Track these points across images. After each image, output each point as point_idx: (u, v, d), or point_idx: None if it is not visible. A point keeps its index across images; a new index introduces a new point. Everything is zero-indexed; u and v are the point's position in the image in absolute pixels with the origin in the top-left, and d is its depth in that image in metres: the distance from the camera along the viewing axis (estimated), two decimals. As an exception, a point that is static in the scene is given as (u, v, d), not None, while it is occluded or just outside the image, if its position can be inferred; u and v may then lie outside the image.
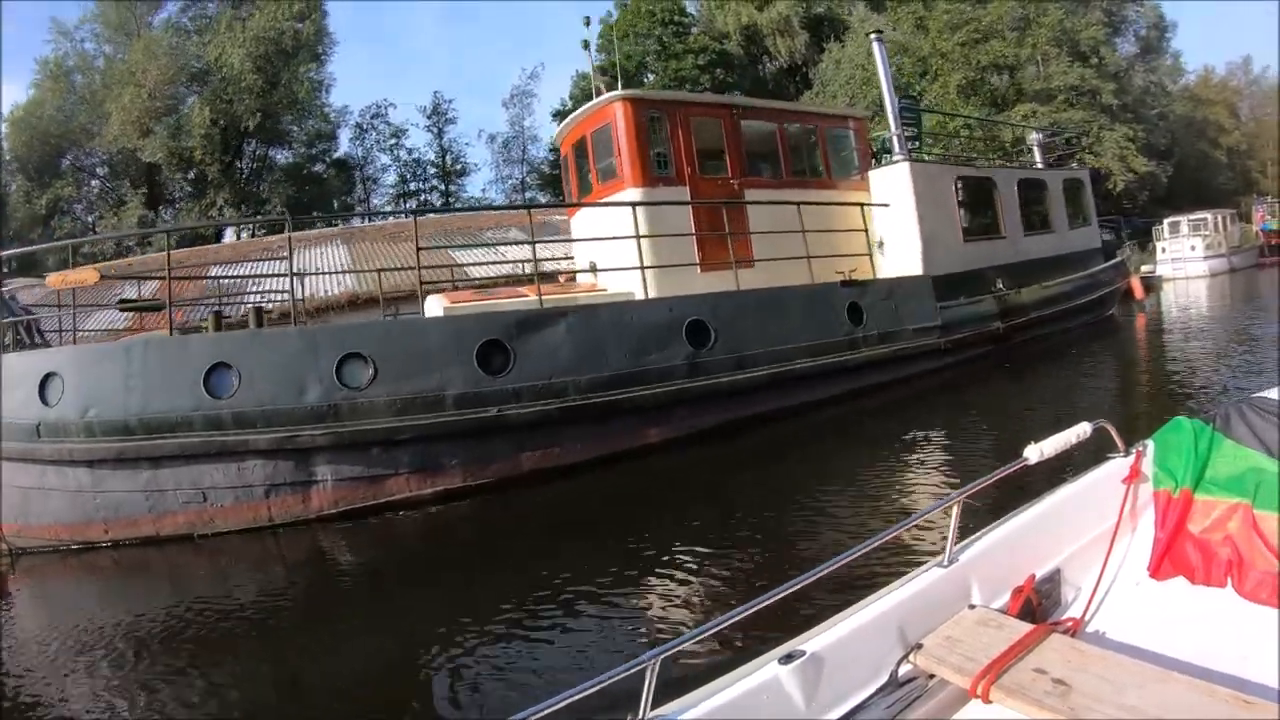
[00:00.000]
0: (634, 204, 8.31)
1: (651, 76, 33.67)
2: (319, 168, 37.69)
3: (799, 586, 1.98)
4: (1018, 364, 10.88)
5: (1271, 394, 2.91)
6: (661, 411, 7.38)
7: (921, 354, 9.63)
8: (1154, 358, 12.57)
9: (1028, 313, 11.73)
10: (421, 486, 6.38)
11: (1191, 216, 28.15)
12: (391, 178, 37.50)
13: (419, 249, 7.95)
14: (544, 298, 7.87)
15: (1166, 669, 2.00)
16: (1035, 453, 2.60)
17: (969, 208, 11.82)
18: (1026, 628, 2.20)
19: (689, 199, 9.20)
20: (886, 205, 10.31)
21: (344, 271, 18.63)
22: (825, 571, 2.05)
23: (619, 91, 9.39)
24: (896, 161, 10.49)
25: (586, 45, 10.12)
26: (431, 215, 26.14)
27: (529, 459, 6.76)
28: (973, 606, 2.36)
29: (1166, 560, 2.75)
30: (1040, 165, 15.12)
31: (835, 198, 10.23)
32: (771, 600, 1.91)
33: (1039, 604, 2.48)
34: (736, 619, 1.86)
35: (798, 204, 9.15)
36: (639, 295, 8.08)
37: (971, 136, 20.48)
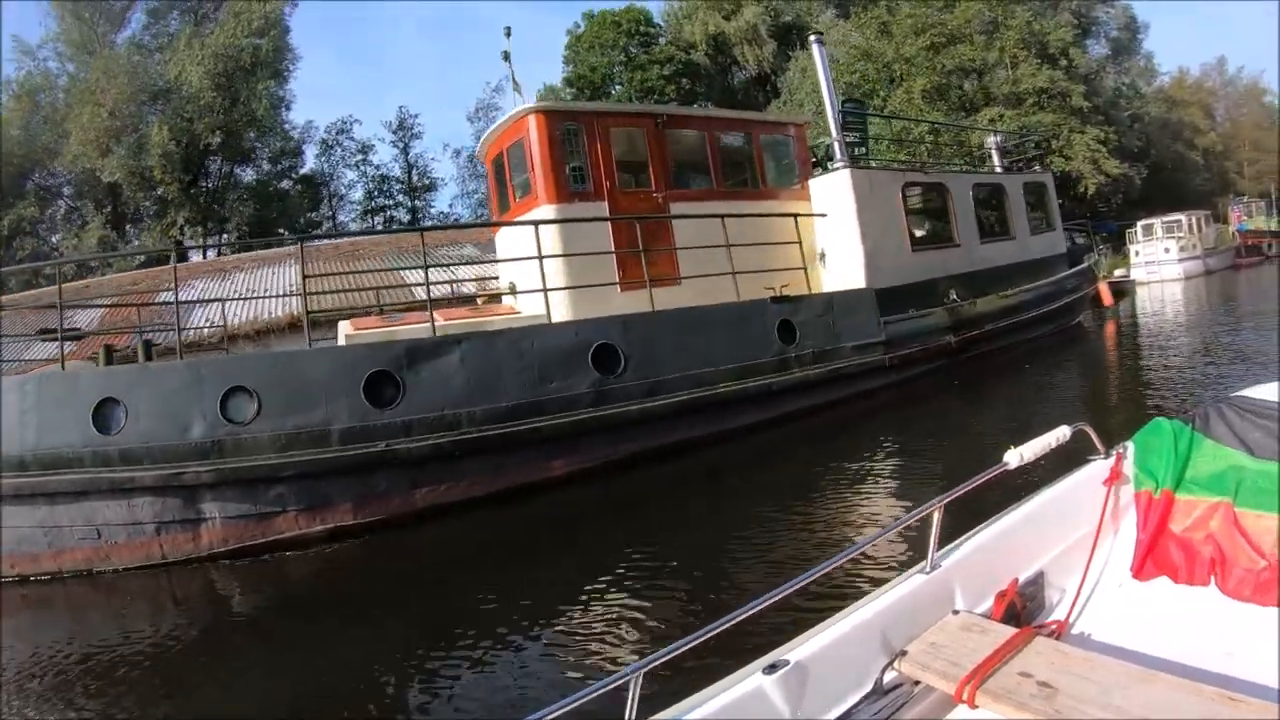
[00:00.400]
0: (535, 223, 7.77)
1: (619, 87, 33.26)
2: (286, 184, 37.12)
3: (781, 596, 1.94)
4: (971, 379, 10.32)
5: (1250, 393, 2.91)
6: (567, 443, 6.93)
7: (864, 372, 9.03)
8: (1121, 367, 12.09)
9: (984, 324, 11.17)
10: (311, 524, 6.15)
11: (1165, 218, 27.78)
12: (358, 194, 36.86)
13: (305, 276, 7.70)
14: (446, 324, 7.50)
15: (1152, 669, 1.99)
16: (1015, 457, 2.59)
17: (919, 215, 11.30)
18: (1010, 632, 2.19)
19: (608, 214, 8.71)
20: (823, 215, 9.74)
21: (241, 299, 18.00)
22: (807, 580, 2.02)
23: (531, 104, 8.93)
24: (837, 168, 9.92)
25: (507, 56, 9.55)
26: (320, 242, 25.56)
27: (423, 495, 6.43)
28: (956, 612, 2.35)
29: (1149, 560, 2.75)
30: (999, 169, 14.61)
31: (772, 208, 9.65)
32: (755, 610, 1.88)
33: (1023, 608, 2.48)
34: (721, 629, 1.82)
35: (721, 217, 8.54)
36: (556, 317, 7.70)
37: (937, 142, 20.06)
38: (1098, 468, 2.94)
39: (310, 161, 37.16)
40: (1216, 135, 49.62)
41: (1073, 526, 2.82)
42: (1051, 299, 13.65)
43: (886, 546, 3.60)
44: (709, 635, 1.80)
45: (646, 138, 9.26)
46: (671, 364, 7.58)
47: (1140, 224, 27.80)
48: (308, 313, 7.44)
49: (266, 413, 6.08)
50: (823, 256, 10.08)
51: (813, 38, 10.79)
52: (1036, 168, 16.31)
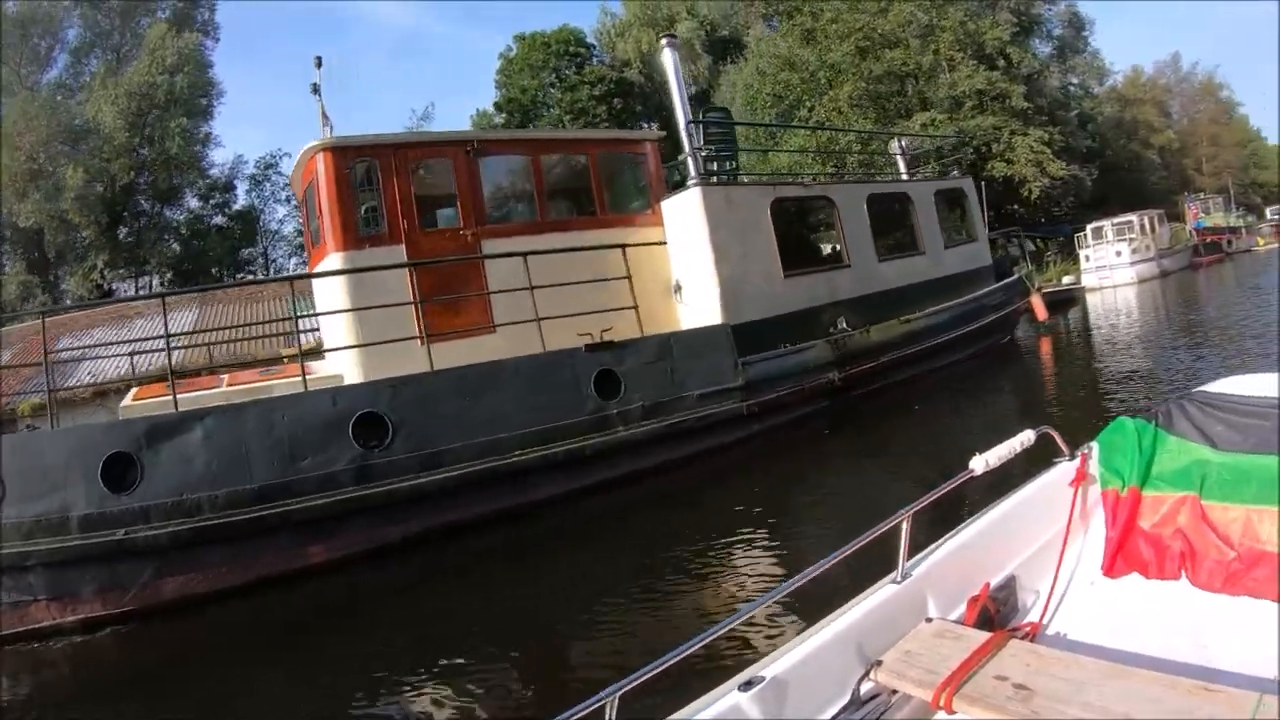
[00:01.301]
0: (292, 278, 6.70)
1: (554, 110, 32.25)
2: (221, 220, 35.75)
3: (753, 613, 2.01)
4: (859, 420, 9.05)
5: (1211, 387, 2.98)
6: (326, 526, 6.09)
7: (714, 425, 7.72)
8: (1043, 393, 10.88)
9: (880, 354, 9.94)
10: (63, 614, 5.77)
11: (1115, 220, 26.79)
12: (290, 228, 35.51)
13: (47, 352, 6.88)
14: (200, 395, 7.02)
15: (1127, 665, 2.02)
16: (980, 463, 2.65)
17: (795, 235, 10.03)
18: (984, 636, 2.20)
19: (404, 259, 7.56)
20: (661, 243, 8.48)
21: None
22: (779, 596, 2.08)
23: (321, 140, 7.83)
24: (687, 187, 8.67)
25: (316, 89, 8.36)
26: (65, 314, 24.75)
27: (171, 585, 5.87)
28: (929, 619, 2.37)
29: (1119, 558, 2.81)
30: (905, 176, 13.46)
31: (612, 238, 8.37)
32: (729, 628, 1.90)
33: (996, 612, 2.50)
34: (695, 648, 1.83)
35: (523, 255, 7.29)
36: (351, 379, 7.04)
37: (868, 151, 19.00)
38: (1063, 469, 2.98)
39: (242, 197, 35.81)
40: (1173, 133, 49.14)
41: (1042, 529, 2.85)
42: (971, 318, 12.44)
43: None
44: (684, 655, 1.78)
45: (455, 168, 8.10)
46: (453, 431, 6.46)
47: (1090, 226, 26.77)
48: (51, 391, 6.70)
49: (10, 498, 5.63)
50: (679, 289, 8.82)
51: (664, 40, 9.55)
52: (955, 173, 15.13)
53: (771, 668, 1.96)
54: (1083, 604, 2.70)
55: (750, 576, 4.99)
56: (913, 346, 10.63)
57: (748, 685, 1.88)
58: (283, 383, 7.43)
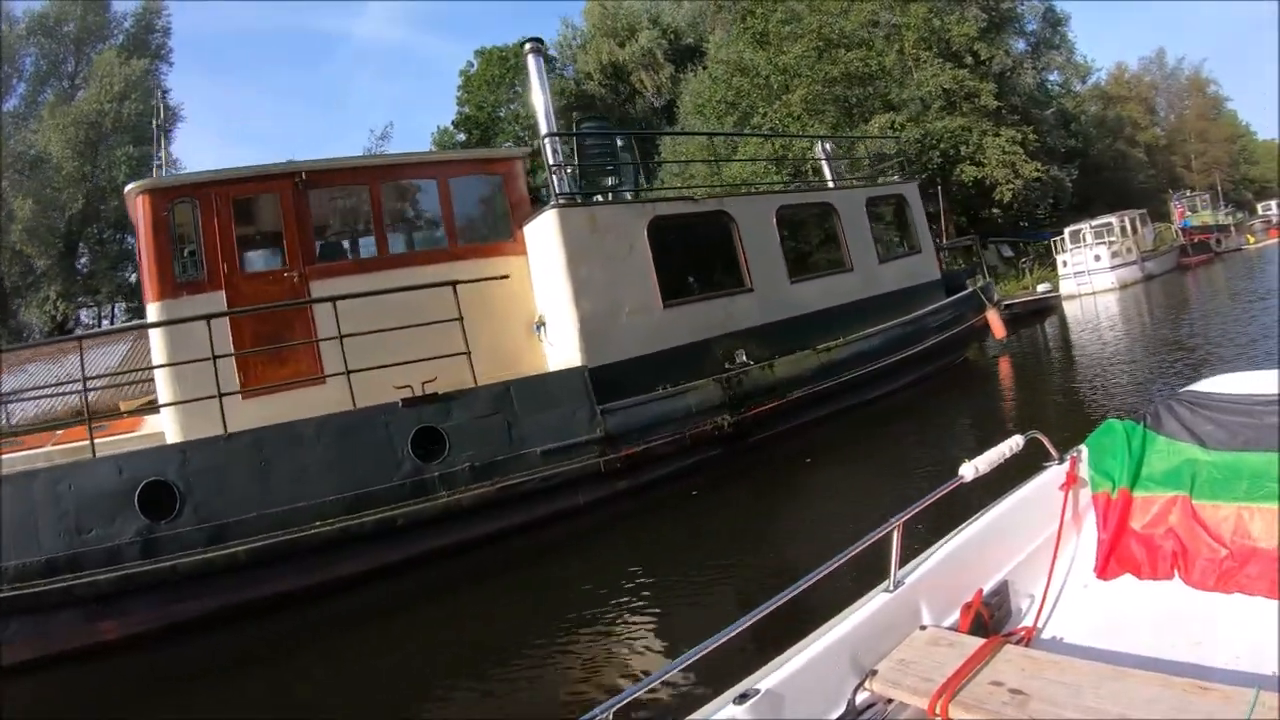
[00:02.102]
0: (79, 337, 5.90)
1: (512, 126, 31.43)
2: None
3: (745, 626, 1.94)
4: (753, 472, 7.96)
5: (1199, 387, 2.99)
6: (116, 602, 5.59)
7: (564, 484, 6.69)
8: (996, 421, 9.76)
9: (790, 390, 8.86)
10: None
11: (1094, 222, 25.65)
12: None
13: None
14: (42, 451, 6.80)
15: (1122, 666, 2.01)
16: (970, 469, 2.63)
17: (681, 258, 8.97)
18: (979, 642, 2.19)
19: (223, 307, 6.85)
20: (504, 276, 7.48)
21: None
22: (770, 609, 2.01)
23: (138, 182, 7.24)
24: (545, 209, 7.68)
25: (160, 129, 7.49)
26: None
27: None
28: (924, 627, 2.36)
29: (1112, 560, 2.80)
30: (832, 184, 12.50)
31: (467, 271, 7.39)
32: (721, 642, 1.88)
33: (990, 617, 2.47)
34: (688, 663, 1.82)
35: (332, 300, 6.42)
36: (171, 438, 6.52)
37: (815, 158, 17.99)
38: (1054, 473, 2.97)
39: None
40: (1160, 130, 48.07)
41: (1033, 533, 2.83)
42: (912, 341, 11.40)
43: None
44: (677, 669, 1.80)
45: (282, 204, 7.28)
46: (246, 501, 5.73)
47: (1068, 230, 25.61)
48: None
49: None
50: (541, 326, 7.80)
51: (527, 46, 8.61)
52: (896, 177, 14.09)
53: (766, 680, 1.95)
54: (1076, 607, 2.70)
55: (563, 682, 4.08)
56: (834, 378, 9.57)
57: (743, 698, 1.87)
58: (104, 442, 6.72)
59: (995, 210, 29.80)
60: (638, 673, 3.88)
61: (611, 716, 1.60)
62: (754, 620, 1.94)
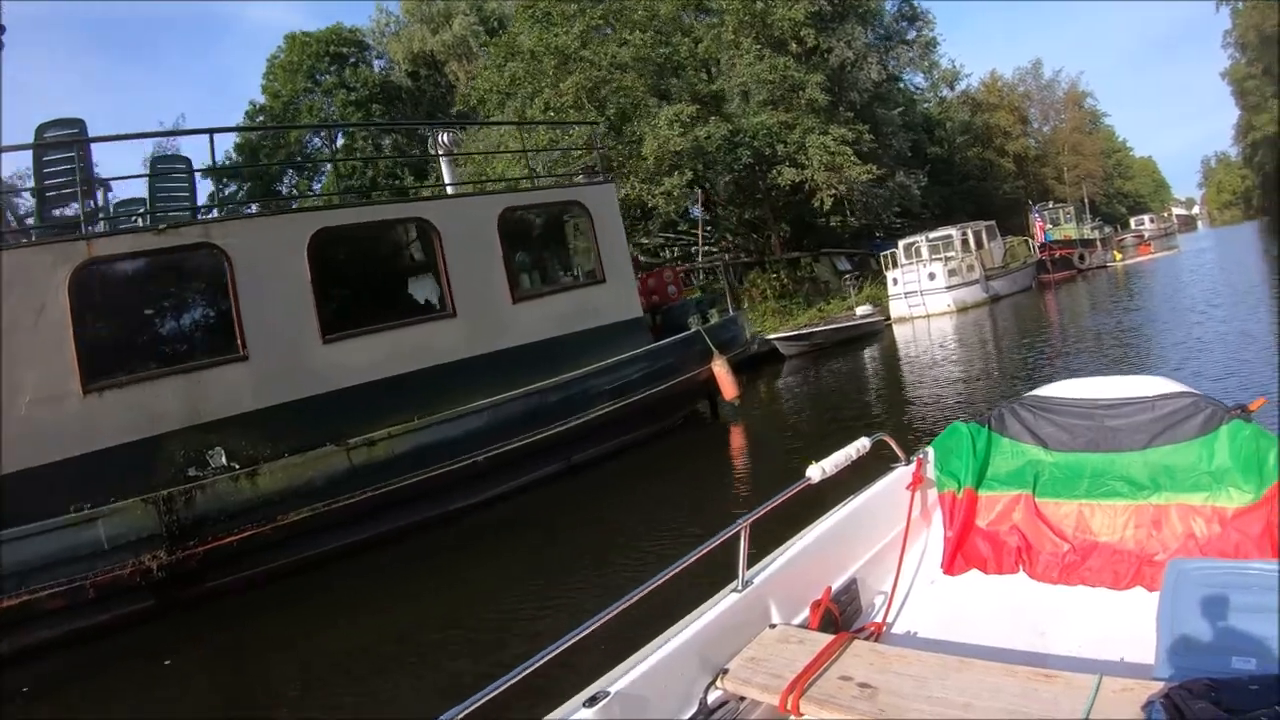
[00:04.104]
0: None
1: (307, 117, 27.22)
2: None
3: (592, 629, 1.90)
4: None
5: (1041, 391, 3.12)
6: None
7: None
8: (673, 535, 6.41)
9: (284, 510, 5.64)
10: None
11: (932, 235, 23.16)
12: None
13: None
14: None
15: (969, 657, 2.05)
16: (817, 471, 2.67)
17: (119, 320, 6.21)
18: (828, 638, 2.22)
19: None
20: None
21: None
22: (619, 610, 1.98)
23: None
24: None
25: None
26: None
27: None
28: (774, 625, 2.38)
29: (959, 556, 2.90)
30: (450, 187, 9.17)
31: None
32: (567, 645, 1.84)
33: (840, 614, 2.51)
34: (536, 667, 1.77)
35: None
36: None
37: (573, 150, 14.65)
38: (900, 474, 3.04)
39: None
40: (1034, 142, 47.17)
41: (882, 532, 2.91)
42: (556, 413, 8.11)
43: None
44: (525, 674, 1.75)
45: None
46: None
47: (902, 243, 22.99)
48: None
49: None
50: None
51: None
52: (579, 179, 10.73)
53: (617, 683, 1.92)
54: (925, 602, 2.77)
55: None
56: (384, 482, 6.26)
57: (593, 701, 1.84)
58: None
59: (837, 220, 27.27)
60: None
61: None
62: (602, 621, 1.89)
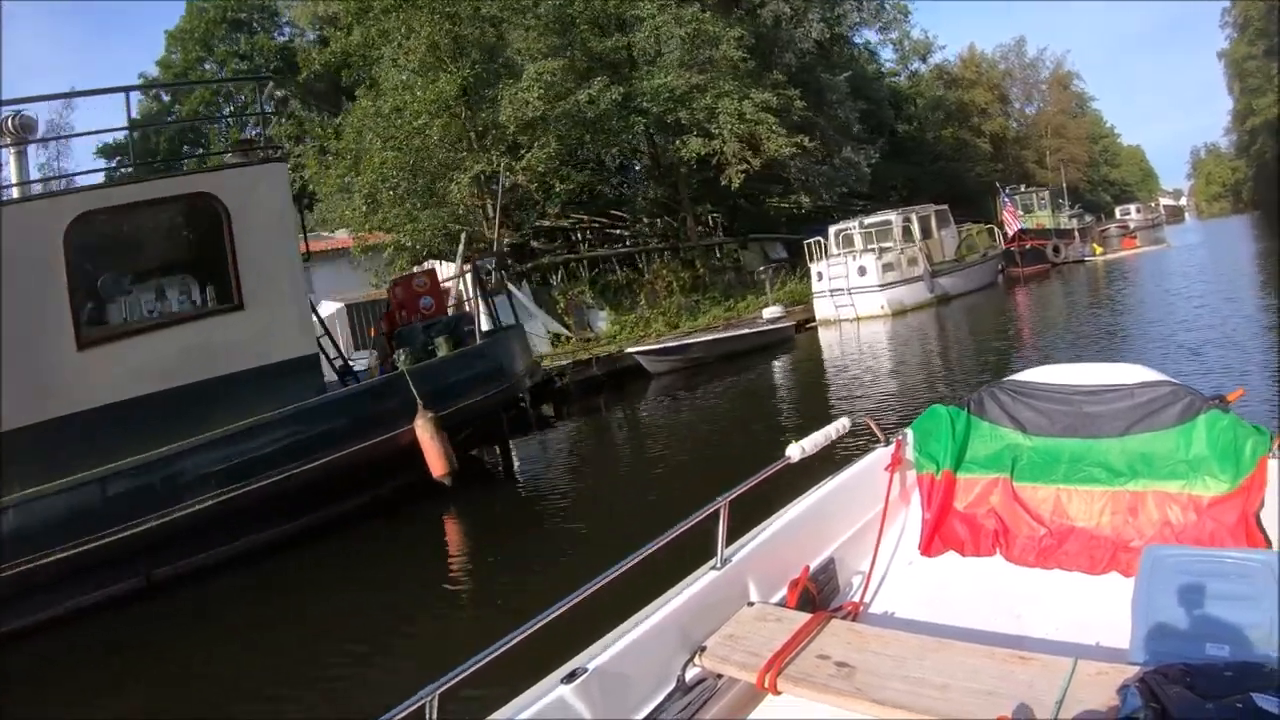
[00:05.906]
0: None
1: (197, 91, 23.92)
2: None
3: (573, 604, 1.86)
4: None
5: (1021, 376, 3.09)
6: None
7: None
8: None
9: None
10: None
11: (868, 220, 19.69)
12: None
13: None
14: None
15: (946, 638, 2.05)
16: (797, 450, 2.65)
17: None
18: (805, 617, 2.21)
19: None
20: None
21: None
22: (598, 586, 1.93)
23: None
24: None
25: None
26: None
27: None
28: (751, 604, 2.37)
29: (936, 538, 2.90)
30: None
31: None
32: (547, 620, 1.81)
33: (817, 593, 2.50)
34: (515, 642, 1.74)
35: None
36: None
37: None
38: (879, 455, 3.01)
39: None
40: (1015, 124, 43.67)
41: (860, 512, 2.89)
42: (138, 508, 5.11)
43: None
44: (504, 649, 1.72)
45: None
46: None
47: (833, 230, 19.51)
48: None
49: None
50: None
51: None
52: (229, 158, 7.34)
53: (595, 659, 1.91)
54: (902, 582, 2.77)
55: None
56: None
57: (571, 677, 1.82)
58: None
59: (788, 203, 23.81)
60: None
61: (436, 700, 1.53)
62: (581, 598, 1.85)
